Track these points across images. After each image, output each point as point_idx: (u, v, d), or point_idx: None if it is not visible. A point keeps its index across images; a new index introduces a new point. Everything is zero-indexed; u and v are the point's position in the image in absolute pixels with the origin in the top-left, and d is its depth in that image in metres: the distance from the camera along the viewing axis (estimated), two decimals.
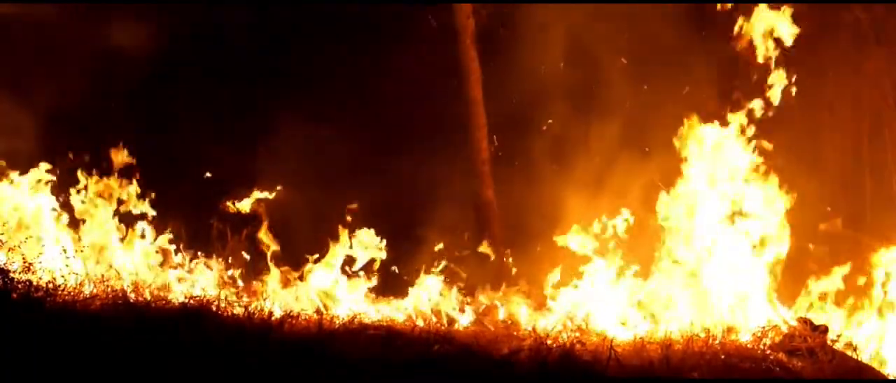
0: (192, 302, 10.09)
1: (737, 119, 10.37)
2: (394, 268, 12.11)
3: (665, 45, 13.39)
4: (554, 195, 12.21)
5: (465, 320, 10.56)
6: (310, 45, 15.36)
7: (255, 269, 11.54)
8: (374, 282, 11.37)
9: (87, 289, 10.24)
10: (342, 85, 15.18)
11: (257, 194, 12.32)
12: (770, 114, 10.42)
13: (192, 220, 12.09)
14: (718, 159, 10.31)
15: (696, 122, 10.42)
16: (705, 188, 10.27)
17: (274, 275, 11.17)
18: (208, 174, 12.52)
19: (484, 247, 12.44)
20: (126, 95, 14.70)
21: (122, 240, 11.31)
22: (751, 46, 10.52)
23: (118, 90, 14.62)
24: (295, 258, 11.38)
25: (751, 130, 10.34)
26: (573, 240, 10.75)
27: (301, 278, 11.10)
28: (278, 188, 12.31)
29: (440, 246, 11.90)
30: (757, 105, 10.39)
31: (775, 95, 10.38)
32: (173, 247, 11.51)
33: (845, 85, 14.28)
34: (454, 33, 14.44)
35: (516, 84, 14.48)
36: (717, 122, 10.37)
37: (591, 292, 10.42)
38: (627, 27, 13.88)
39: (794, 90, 10.50)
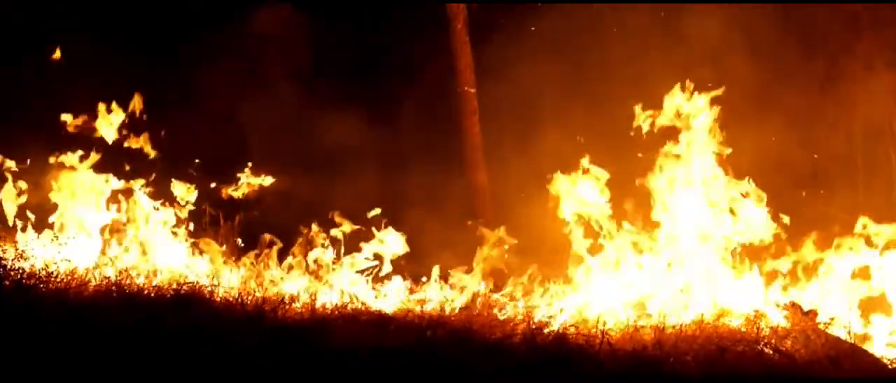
0: (185, 288, 10.09)
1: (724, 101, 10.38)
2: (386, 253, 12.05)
3: (656, 29, 13.40)
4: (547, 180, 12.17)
5: (458, 306, 10.54)
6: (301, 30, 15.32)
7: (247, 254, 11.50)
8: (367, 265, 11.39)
9: (80, 276, 10.22)
10: (335, 71, 15.15)
11: (250, 179, 12.31)
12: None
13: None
14: (705, 143, 10.31)
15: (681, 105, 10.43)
16: (694, 174, 10.28)
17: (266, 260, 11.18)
18: (197, 160, 12.43)
19: (477, 233, 12.41)
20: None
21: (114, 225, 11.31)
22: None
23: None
24: (287, 242, 11.36)
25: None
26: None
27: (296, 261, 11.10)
28: (274, 178, 12.30)
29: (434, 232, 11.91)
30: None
31: None
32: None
33: (838, 67, 14.28)
34: (446, 19, 14.43)
35: (509, 69, 14.45)
36: (704, 104, 10.37)
37: (585, 278, 10.42)
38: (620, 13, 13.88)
39: None
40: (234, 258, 11.39)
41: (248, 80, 14.57)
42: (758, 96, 11.12)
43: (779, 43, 13.61)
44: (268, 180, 12.37)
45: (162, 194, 11.54)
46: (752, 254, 10.26)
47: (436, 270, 11.09)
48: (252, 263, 11.11)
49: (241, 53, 14.79)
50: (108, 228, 11.22)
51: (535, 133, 13.84)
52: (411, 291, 10.92)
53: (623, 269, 10.37)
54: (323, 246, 11.04)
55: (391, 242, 11.19)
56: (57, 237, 10.89)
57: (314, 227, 11.11)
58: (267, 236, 11.30)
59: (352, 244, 11.34)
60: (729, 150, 10.24)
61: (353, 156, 14.30)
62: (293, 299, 10.04)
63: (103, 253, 10.99)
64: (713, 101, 10.32)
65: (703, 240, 10.15)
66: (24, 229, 11.09)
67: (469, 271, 10.99)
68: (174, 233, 11.35)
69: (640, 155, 10.59)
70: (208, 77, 14.35)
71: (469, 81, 14.41)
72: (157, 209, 11.35)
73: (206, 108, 14.09)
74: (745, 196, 10.21)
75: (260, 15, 14.68)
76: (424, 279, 11.18)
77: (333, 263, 11.05)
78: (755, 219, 10.20)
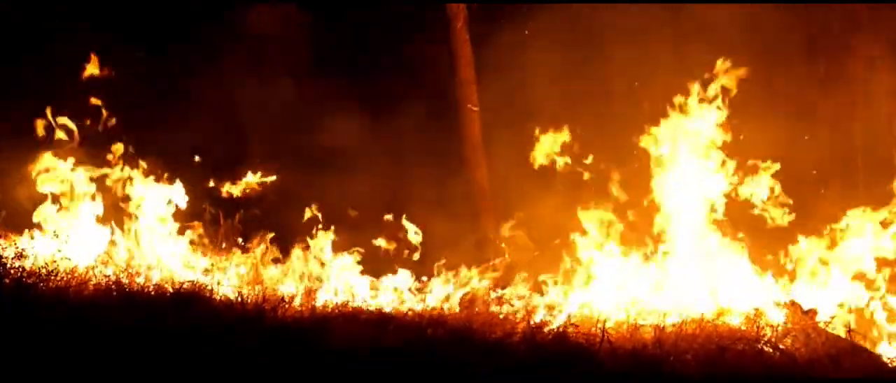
0: (185, 287, 10.08)
1: (723, 100, 10.39)
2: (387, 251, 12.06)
3: (656, 26, 13.39)
4: (548, 180, 12.17)
5: (458, 304, 10.55)
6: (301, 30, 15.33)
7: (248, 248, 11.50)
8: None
9: (80, 275, 10.21)
10: (336, 70, 15.14)
11: (251, 177, 12.30)
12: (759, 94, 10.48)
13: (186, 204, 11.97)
14: (705, 140, 10.33)
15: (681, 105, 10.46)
16: (694, 171, 10.29)
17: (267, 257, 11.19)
18: (197, 158, 12.38)
19: (477, 232, 12.45)
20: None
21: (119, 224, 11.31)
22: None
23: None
24: (287, 239, 11.36)
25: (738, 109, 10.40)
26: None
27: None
28: (273, 176, 12.28)
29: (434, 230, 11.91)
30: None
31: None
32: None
33: (838, 65, 14.27)
34: (446, 18, 14.44)
35: (509, 66, 14.44)
36: (703, 103, 10.38)
37: (585, 277, 10.43)
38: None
39: None
40: (238, 254, 11.39)
41: (248, 78, 14.54)
42: (757, 94, 11.09)
43: (779, 40, 13.60)
44: (270, 178, 12.33)
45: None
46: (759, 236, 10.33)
47: (437, 267, 11.12)
48: (252, 260, 11.13)
49: (241, 52, 14.76)
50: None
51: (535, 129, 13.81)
52: (413, 293, 10.93)
53: (624, 262, 10.42)
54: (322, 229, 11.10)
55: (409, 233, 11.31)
56: (57, 235, 10.89)
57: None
58: (267, 233, 11.34)
59: (352, 242, 11.37)
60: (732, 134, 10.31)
61: (354, 154, 14.28)
62: (293, 298, 10.05)
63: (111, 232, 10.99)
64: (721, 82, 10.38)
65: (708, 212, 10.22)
66: (24, 228, 11.11)
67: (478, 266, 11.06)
68: (181, 230, 11.38)
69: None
70: (208, 75, 14.35)
71: (469, 78, 14.43)
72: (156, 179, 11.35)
73: (206, 106, 14.08)
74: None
75: (261, 13, 14.67)
76: (425, 278, 11.20)
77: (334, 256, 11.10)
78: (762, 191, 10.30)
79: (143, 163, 11.37)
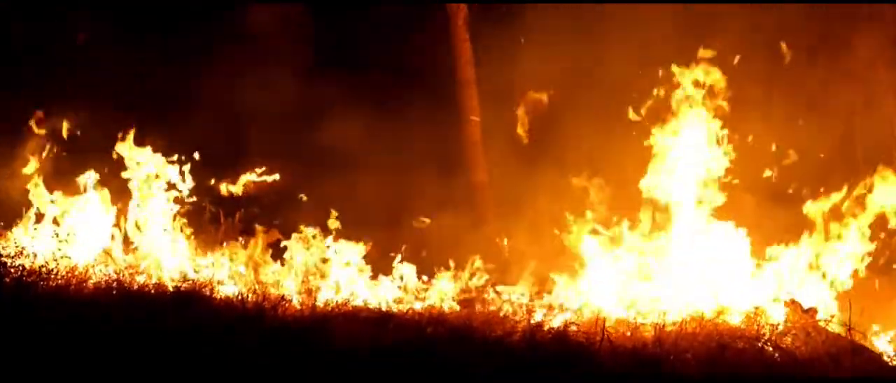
0: (185, 285, 10.09)
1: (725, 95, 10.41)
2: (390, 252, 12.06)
3: (657, 22, 13.37)
4: (549, 178, 12.17)
5: (458, 303, 10.55)
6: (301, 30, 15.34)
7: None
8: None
9: (80, 273, 10.21)
10: (335, 68, 15.13)
11: (250, 176, 12.31)
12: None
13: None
14: (704, 137, 10.34)
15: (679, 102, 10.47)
16: (692, 168, 10.31)
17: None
18: (197, 156, 12.38)
19: (477, 231, 12.44)
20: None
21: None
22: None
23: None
24: (287, 238, 11.37)
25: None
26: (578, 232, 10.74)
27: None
28: (275, 175, 12.31)
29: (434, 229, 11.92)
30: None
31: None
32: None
33: (838, 62, 14.24)
34: (446, 15, 14.44)
35: (510, 65, 14.43)
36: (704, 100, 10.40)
37: (585, 275, 10.43)
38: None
39: None
40: (238, 252, 11.39)
41: (248, 77, 14.54)
42: (757, 92, 11.12)
43: (779, 38, 13.59)
44: (271, 178, 12.36)
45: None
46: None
47: (438, 265, 11.13)
48: (252, 259, 11.13)
49: (241, 51, 14.77)
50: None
51: (536, 128, 13.82)
52: (413, 291, 10.94)
53: (624, 260, 10.42)
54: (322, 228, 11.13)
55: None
56: (57, 234, 10.90)
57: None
58: (268, 231, 11.34)
59: (352, 240, 11.37)
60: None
61: (353, 154, 14.28)
62: (292, 297, 10.06)
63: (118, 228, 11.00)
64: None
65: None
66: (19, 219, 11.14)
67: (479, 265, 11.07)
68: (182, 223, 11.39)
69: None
70: (208, 74, 14.35)
71: (469, 77, 14.43)
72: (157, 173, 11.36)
73: (207, 105, 14.09)
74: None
75: (261, 13, 14.68)
76: (425, 276, 11.20)
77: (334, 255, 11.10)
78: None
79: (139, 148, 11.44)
